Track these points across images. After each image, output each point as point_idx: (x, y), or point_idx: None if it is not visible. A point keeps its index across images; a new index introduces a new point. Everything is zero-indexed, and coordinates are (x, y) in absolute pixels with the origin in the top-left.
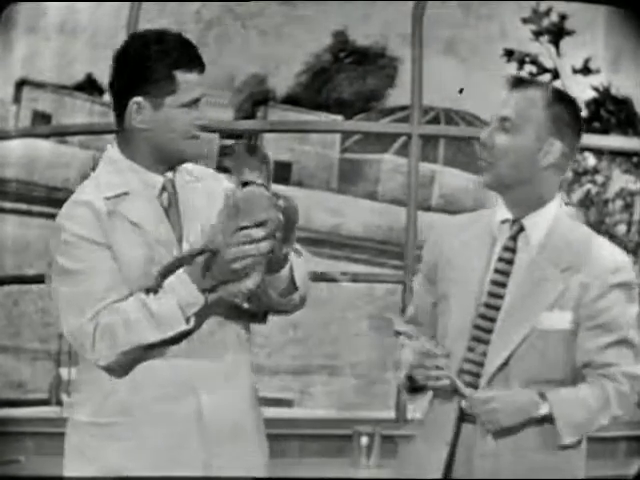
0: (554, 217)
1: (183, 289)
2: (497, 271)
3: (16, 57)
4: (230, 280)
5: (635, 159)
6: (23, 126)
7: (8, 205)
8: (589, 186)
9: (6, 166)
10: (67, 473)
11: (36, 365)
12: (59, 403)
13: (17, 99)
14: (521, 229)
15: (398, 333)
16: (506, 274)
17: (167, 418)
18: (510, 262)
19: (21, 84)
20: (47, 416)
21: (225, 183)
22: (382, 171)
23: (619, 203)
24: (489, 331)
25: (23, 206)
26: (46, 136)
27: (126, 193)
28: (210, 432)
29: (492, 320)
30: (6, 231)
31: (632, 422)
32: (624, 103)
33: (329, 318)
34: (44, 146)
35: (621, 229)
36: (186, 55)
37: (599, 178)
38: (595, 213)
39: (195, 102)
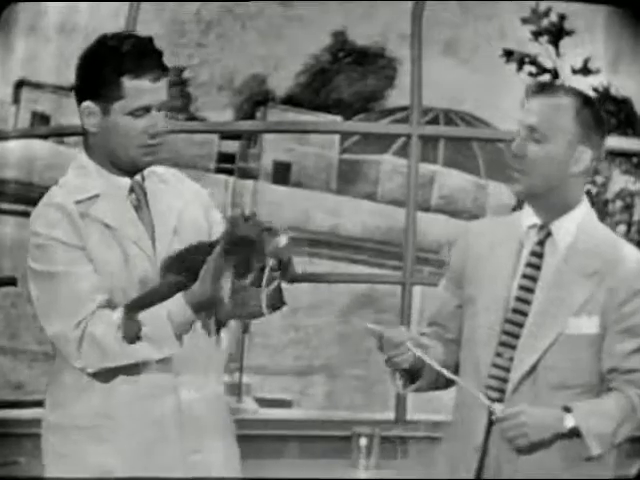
0: (581, 221)
1: (175, 308)
2: (525, 276)
3: (15, 57)
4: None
5: (635, 159)
6: (22, 127)
7: (6, 206)
8: (589, 187)
9: (4, 167)
10: (49, 476)
11: (34, 366)
12: None
13: (16, 100)
14: (549, 234)
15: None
16: (534, 279)
17: (147, 417)
18: (538, 267)
19: (20, 85)
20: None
21: (197, 188)
22: (381, 172)
23: (619, 203)
24: (517, 336)
25: (21, 207)
26: (44, 137)
27: (97, 195)
28: (189, 429)
29: (520, 325)
30: (4, 232)
31: None
32: (624, 103)
33: (329, 319)
34: (42, 147)
35: (621, 229)
36: (135, 61)
37: (599, 179)
38: (595, 213)
39: (145, 110)
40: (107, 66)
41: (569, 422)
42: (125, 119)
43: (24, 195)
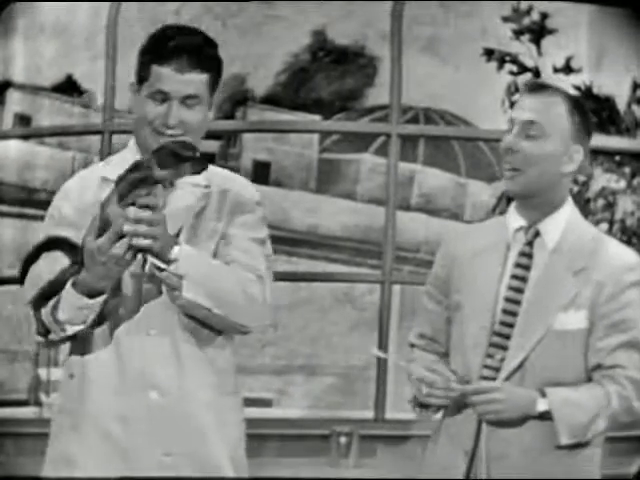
0: (567, 220)
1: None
2: (514, 277)
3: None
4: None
5: (617, 158)
6: (6, 128)
7: None
8: (570, 185)
9: None
10: (46, 462)
11: (15, 366)
12: (38, 404)
13: (0, 101)
14: (537, 234)
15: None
16: (523, 280)
17: (114, 412)
18: (527, 268)
19: (5, 86)
20: (26, 417)
21: (240, 197)
22: (361, 171)
23: (601, 202)
24: (507, 337)
25: (4, 208)
26: (25, 137)
27: None
28: (160, 430)
29: (510, 326)
30: None
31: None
32: (606, 102)
33: (308, 318)
34: (23, 147)
35: (603, 228)
36: (162, 49)
37: (580, 177)
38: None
39: (164, 97)
40: (143, 50)
41: (541, 406)
42: (146, 101)
43: (4, 196)
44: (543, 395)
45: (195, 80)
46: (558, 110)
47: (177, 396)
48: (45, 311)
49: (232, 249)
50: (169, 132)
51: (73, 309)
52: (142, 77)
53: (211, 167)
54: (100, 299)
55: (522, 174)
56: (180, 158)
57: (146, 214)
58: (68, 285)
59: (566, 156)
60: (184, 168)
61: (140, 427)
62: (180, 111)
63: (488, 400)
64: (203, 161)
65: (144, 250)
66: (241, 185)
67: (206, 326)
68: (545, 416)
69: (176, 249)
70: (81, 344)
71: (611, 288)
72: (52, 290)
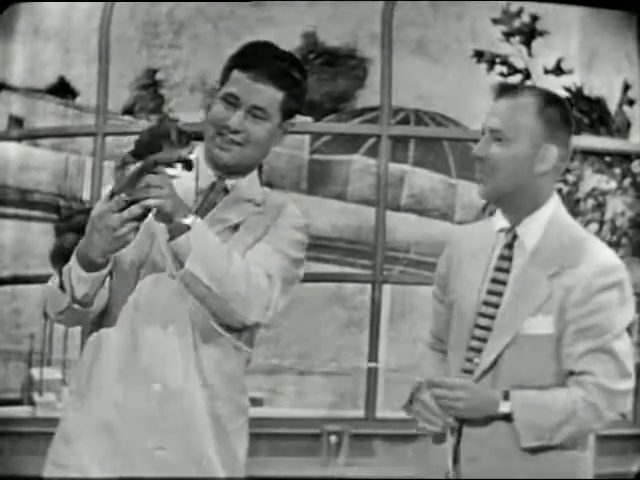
0: (549, 220)
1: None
2: (494, 280)
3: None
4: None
5: (607, 159)
6: (1, 130)
7: None
8: (560, 185)
9: None
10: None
11: (8, 366)
12: (31, 403)
13: None
14: (516, 236)
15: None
16: (503, 283)
17: (117, 399)
18: (506, 270)
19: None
20: (19, 416)
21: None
22: (351, 172)
23: (590, 202)
24: (485, 340)
25: None
26: (18, 139)
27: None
28: (158, 423)
29: (488, 329)
30: None
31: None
32: (597, 103)
33: (299, 318)
34: (16, 149)
35: (592, 228)
36: (248, 57)
37: (570, 177)
38: (565, 210)
39: (233, 99)
40: (232, 55)
41: (503, 408)
42: (217, 102)
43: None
44: (507, 397)
45: (267, 93)
46: (525, 112)
47: (179, 392)
48: (52, 278)
49: (252, 250)
50: (230, 136)
51: (74, 279)
52: (222, 80)
53: (270, 191)
54: (94, 275)
55: (491, 180)
56: (153, 136)
57: (150, 176)
58: (74, 254)
59: (537, 156)
60: (168, 148)
61: (137, 417)
62: (245, 119)
63: (449, 397)
64: (186, 133)
65: (159, 216)
66: (288, 210)
67: (217, 319)
68: (507, 418)
69: (191, 217)
70: (100, 326)
71: (579, 293)
72: (57, 256)
